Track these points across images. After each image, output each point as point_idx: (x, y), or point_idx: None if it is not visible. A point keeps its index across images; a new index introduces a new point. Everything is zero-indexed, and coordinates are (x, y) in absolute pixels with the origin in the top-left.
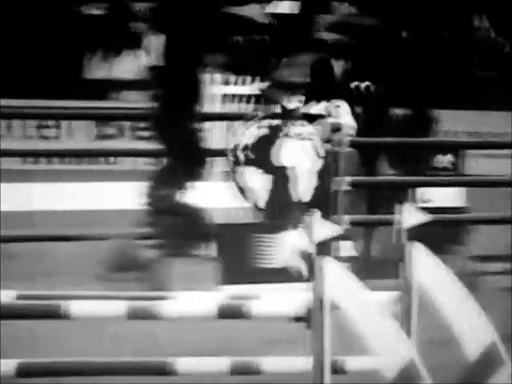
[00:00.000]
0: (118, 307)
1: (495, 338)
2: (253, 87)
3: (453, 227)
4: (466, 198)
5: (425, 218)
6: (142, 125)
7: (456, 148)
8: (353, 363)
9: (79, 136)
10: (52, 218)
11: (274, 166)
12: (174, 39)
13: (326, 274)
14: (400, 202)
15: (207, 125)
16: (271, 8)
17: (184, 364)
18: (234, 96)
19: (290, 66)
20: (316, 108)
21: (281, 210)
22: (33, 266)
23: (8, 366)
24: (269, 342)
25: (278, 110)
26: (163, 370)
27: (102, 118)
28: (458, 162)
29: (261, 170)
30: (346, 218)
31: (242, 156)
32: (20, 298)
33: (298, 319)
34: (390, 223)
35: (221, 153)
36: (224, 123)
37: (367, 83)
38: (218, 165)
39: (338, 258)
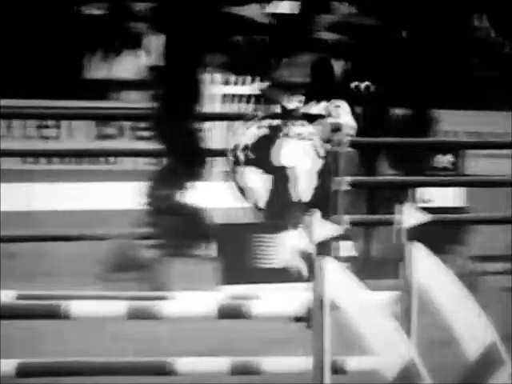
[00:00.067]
0: (118, 307)
1: (495, 337)
2: (253, 87)
3: (453, 227)
4: (466, 198)
5: (425, 218)
6: (142, 125)
7: (456, 148)
8: (353, 363)
9: (79, 136)
10: (52, 217)
11: (274, 166)
12: (174, 39)
13: (326, 273)
14: (400, 202)
15: (207, 125)
16: (271, 8)
17: (184, 364)
18: (234, 96)
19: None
20: (316, 108)
21: (281, 210)
22: (33, 265)
23: (8, 365)
24: (269, 342)
25: (278, 110)
26: (163, 370)
27: (102, 118)
28: (457, 162)
29: (261, 170)
30: (346, 217)
31: (241, 156)
32: (20, 298)
33: (298, 319)
34: (390, 223)
35: (221, 153)
36: (224, 123)
37: (367, 83)
38: (218, 165)
39: (338, 258)
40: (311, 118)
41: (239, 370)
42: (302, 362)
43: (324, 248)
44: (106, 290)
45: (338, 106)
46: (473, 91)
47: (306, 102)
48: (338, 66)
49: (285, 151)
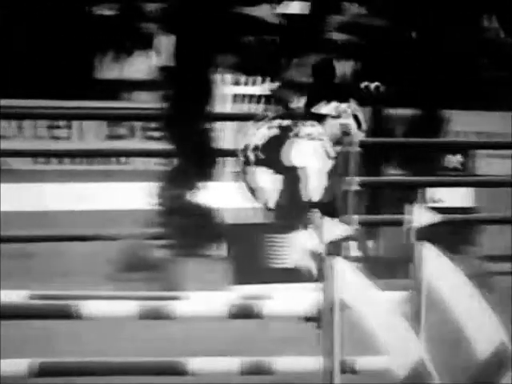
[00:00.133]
0: (131, 307)
1: (505, 337)
2: (263, 87)
3: (463, 227)
4: (477, 198)
5: (435, 218)
6: (153, 125)
7: (466, 148)
8: (363, 363)
9: (90, 136)
10: (63, 218)
11: (285, 166)
12: (185, 39)
13: (337, 273)
14: (410, 202)
15: (218, 125)
16: (282, 8)
17: (196, 364)
18: (244, 96)
19: (300, 66)
20: (326, 108)
21: (291, 210)
22: (45, 265)
23: (22, 365)
24: (280, 342)
25: (288, 110)
26: (176, 370)
27: (113, 118)
28: (467, 162)
29: (271, 171)
30: (356, 218)
31: (252, 156)
32: (33, 297)
33: (308, 319)
34: (400, 223)
35: (231, 153)
36: (234, 123)
37: (377, 83)
38: (229, 165)
39: (349, 258)
40: (321, 119)
41: (251, 370)
42: (313, 362)
43: (334, 248)
44: (117, 290)
45: (349, 107)
46: (482, 92)
47: (316, 102)
48: (347, 67)
49: (295, 151)
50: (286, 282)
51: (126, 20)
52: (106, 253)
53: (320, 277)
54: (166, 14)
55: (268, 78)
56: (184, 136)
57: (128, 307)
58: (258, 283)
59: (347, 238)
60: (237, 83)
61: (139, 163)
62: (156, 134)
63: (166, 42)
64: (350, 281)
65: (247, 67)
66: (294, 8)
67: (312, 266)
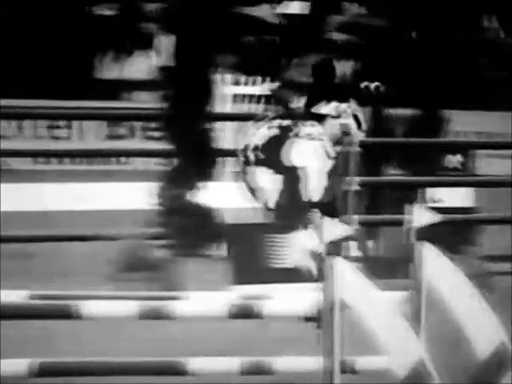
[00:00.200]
0: (131, 307)
1: (505, 337)
2: (263, 87)
3: (463, 227)
4: (477, 198)
5: (435, 218)
6: (153, 125)
7: (466, 148)
8: (363, 363)
9: (90, 136)
10: (63, 218)
11: (285, 166)
12: (185, 39)
13: (337, 273)
14: (410, 202)
15: (218, 125)
16: (282, 9)
17: (196, 364)
18: (244, 96)
19: (301, 66)
20: (326, 108)
21: (291, 210)
22: (45, 265)
23: (22, 365)
24: (280, 342)
25: (288, 110)
26: (176, 370)
27: (113, 118)
28: (468, 162)
29: (271, 171)
30: (356, 218)
31: (252, 156)
32: (33, 297)
33: (308, 319)
34: (400, 223)
35: (231, 153)
36: (234, 123)
37: (377, 83)
38: (229, 165)
39: (349, 258)
40: (321, 119)
41: (251, 370)
42: (313, 362)
43: (334, 248)
44: (117, 290)
45: (349, 107)
46: (482, 92)
47: (316, 103)
48: (347, 67)
49: (295, 151)
50: (285, 282)
51: (126, 20)
52: (105, 253)
53: (320, 277)
54: (165, 14)
55: (268, 78)
56: (184, 136)
57: (128, 307)
58: (258, 283)
59: (347, 238)
60: (237, 83)
61: (139, 163)
62: (156, 133)
63: (166, 42)
64: (349, 281)
65: (247, 67)
66: (294, 8)
67: (312, 265)
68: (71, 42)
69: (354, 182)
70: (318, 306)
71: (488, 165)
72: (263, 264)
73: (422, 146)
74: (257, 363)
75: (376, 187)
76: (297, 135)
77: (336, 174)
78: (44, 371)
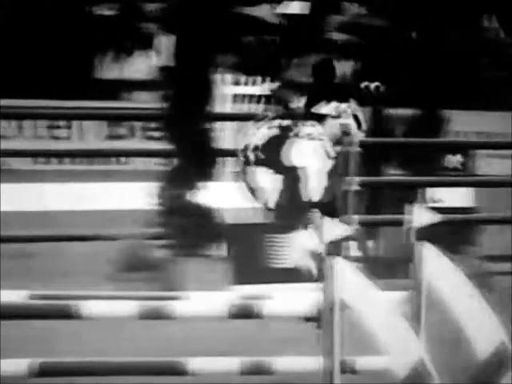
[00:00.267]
0: (131, 307)
1: (505, 337)
2: (263, 87)
3: (463, 227)
4: (477, 198)
5: (435, 218)
6: (153, 125)
7: (466, 148)
8: (363, 363)
9: (90, 136)
10: (63, 218)
11: (285, 166)
12: (185, 39)
13: (337, 273)
14: (410, 202)
15: (218, 125)
16: (282, 9)
17: (197, 364)
18: (244, 96)
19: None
20: (326, 108)
21: (291, 211)
22: (45, 265)
23: (22, 365)
24: (280, 342)
25: (288, 110)
26: (176, 370)
27: (113, 118)
28: (468, 162)
29: (271, 171)
30: (356, 218)
31: (252, 156)
32: (33, 297)
33: (308, 319)
34: (400, 223)
35: (231, 153)
36: (235, 123)
37: (377, 83)
38: (229, 165)
39: (349, 258)
40: (321, 119)
41: (251, 370)
42: (313, 362)
43: (334, 248)
44: (117, 290)
45: (349, 107)
46: (482, 92)
47: (316, 103)
48: (347, 67)
49: (295, 151)
50: (286, 282)
51: (126, 20)
52: (106, 253)
53: (320, 277)
54: (165, 14)
55: (268, 78)
56: (184, 136)
57: (128, 307)
58: (258, 283)
59: (347, 238)
60: (237, 83)
61: (139, 163)
62: (156, 133)
63: (166, 42)
64: (350, 281)
65: (247, 67)
66: (294, 8)
67: (312, 265)
68: (71, 41)
69: (354, 182)
70: (318, 306)
71: (488, 165)
72: (263, 264)
73: (422, 146)
74: (257, 363)
75: (376, 187)
76: (297, 135)
77: (336, 173)
78: (44, 371)
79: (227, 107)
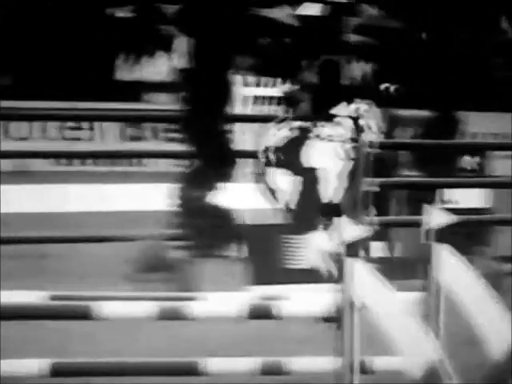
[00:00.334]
0: (149, 308)
1: None
2: (283, 89)
3: (480, 228)
4: (494, 199)
5: (452, 219)
6: (173, 127)
7: (483, 149)
8: (380, 363)
9: (112, 138)
10: (83, 219)
11: (304, 167)
12: (204, 41)
13: (355, 274)
14: (428, 203)
15: (237, 126)
16: (300, 10)
17: (213, 364)
18: (264, 98)
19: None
20: (346, 109)
21: (310, 212)
22: (64, 266)
23: (37, 365)
24: (296, 342)
25: (307, 111)
26: (192, 371)
27: (133, 120)
28: (484, 164)
29: (291, 172)
30: (375, 219)
31: (271, 157)
32: (52, 298)
33: (326, 320)
34: (418, 224)
35: (251, 154)
36: (254, 125)
37: (396, 85)
38: (249, 166)
39: (367, 259)
40: (341, 120)
41: (267, 370)
42: (330, 363)
43: (353, 249)
44: (136, 291)
45: (368, 108)
46: (499, 93)
47: (336, 104)
48: (367, 68)
49: (314, 153)
50: (304, 283)
51: (146, 22)
52: (124, 253)
53: (338, 278)
54: (185, 16)
55: (288, 80)
56: (204, 137)
57: (146, 308)
58: (277, 284)
59: (366, 239)
60: (257, 85)
61: (160, 164)
62: (176, 135)
63: (185, 44)
64: (367, 281)
65: (267, 69)
66: (312, 10)
67: (330, 266)
68: (92, 44)
69: (372, 183)
70: (336, 306)
71: (505, 166)
72: (282, 265)
73: (439, 148)
74: (273, 364)
75: (394, 188)
76: (317, 137)
77: (355, 175)
78: (59, 371)
79: (247, 109)
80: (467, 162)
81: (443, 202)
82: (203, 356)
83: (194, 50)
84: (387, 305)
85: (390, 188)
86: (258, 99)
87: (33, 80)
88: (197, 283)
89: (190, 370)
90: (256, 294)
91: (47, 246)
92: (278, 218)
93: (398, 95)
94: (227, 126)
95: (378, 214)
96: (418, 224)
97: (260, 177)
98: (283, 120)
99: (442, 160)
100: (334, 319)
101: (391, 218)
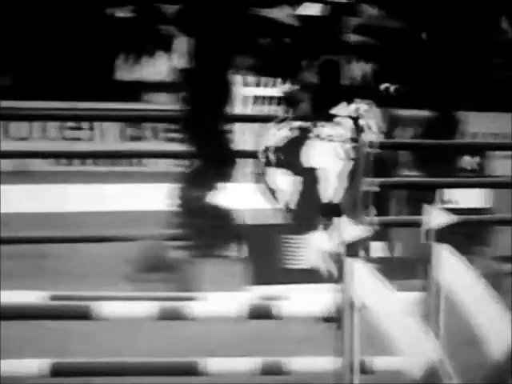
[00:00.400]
0: (149, 308)
1: None
2: (283, 89)
3: (480, 228)
4: (493, 199)
5: (452, 219)
6: (173, 127)
7: (483, 149)
8: (380, 363)
9: (112, 138)
10: (83, 219)
11: (304, 167)
12: (204, 41)
13: (355, 274)
14: (428, 203)
15: (237, 126)
16: (300, 10)
17: (213, 364)
18: (264, 98)
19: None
20: (346, 109)
21: (310, 212)
22: (64, 266)
23: (37, 365)
24: (296, 342)
25: (307, 111)
26: (192, 371)
27: (133, 120)
28: (484, 164)
29: (290, 172)
30: (374, 219)
31: (271, 157)
32: (52, 298)
33: (326, 320)
34: (417, 224)
35: (250, 154)
36: (254, 125)
37: (397, 85)
38: (249, 166)
39: (367, 259)
40: (341, 120)
41: (267, 370)
42: (329, 363)
43: (353, 249)
44: (136, 291)
45: (368, 108)
46: (499, 93)
47: (335, 104)
48: (367, 68)
49: (314, 153)
50: (304, 283)
51: (146, 22)
52: (124, 253)
53: (338, 277)
54: (184, 15)
55: (288, 80)
56: (204, 137)
57: (146, 308)
58: (277, 284)
59: (366, 239)
60: (256, 85)
61: (160, 164)
62: (176, 135)
63: (185, 44)
64: (367, 281)
65: (267, 69)
66: (312, 10)
67: (330, 266)
68: (92, 44)
69: (372, 183)
70: (336, 306)
71: (505, 166)
72: (282, 265)
73: (439, 148)
74: (273, 363)
75: (394, 188)
76: (317, 137)
77: (355, 175)
78: (58, 371)
79: (247, 109)
80: (467, 161)
81: (443, 201)
82: (203, 356)
83: (194, 50)
84: (387, 305)
85: (389, 188)
86: (258, 99)
87: (33, 80)
88: (197, 283)
89: (190, 370)
90: (256, 294)
91: (47, 246)
92: (277, 218)
93: (398, 95)
94: (227, 126)
95: (378, 214)
96: (418, 224)
97: (260, 177)
98: (283, 120)
99: (442, 160)
100: (334, 319)
101: (391, 218)
